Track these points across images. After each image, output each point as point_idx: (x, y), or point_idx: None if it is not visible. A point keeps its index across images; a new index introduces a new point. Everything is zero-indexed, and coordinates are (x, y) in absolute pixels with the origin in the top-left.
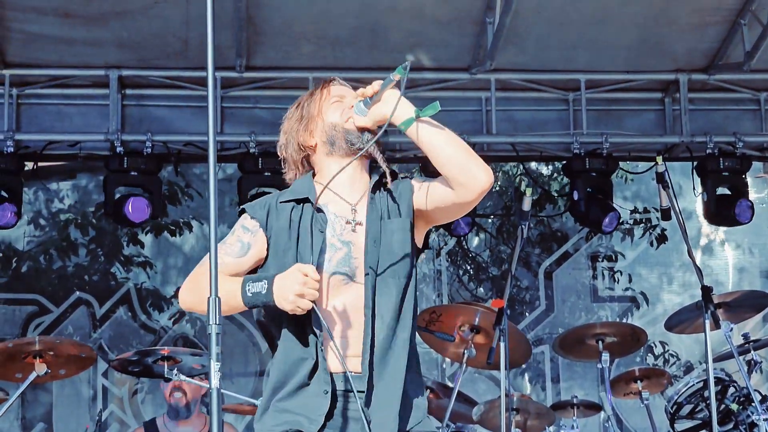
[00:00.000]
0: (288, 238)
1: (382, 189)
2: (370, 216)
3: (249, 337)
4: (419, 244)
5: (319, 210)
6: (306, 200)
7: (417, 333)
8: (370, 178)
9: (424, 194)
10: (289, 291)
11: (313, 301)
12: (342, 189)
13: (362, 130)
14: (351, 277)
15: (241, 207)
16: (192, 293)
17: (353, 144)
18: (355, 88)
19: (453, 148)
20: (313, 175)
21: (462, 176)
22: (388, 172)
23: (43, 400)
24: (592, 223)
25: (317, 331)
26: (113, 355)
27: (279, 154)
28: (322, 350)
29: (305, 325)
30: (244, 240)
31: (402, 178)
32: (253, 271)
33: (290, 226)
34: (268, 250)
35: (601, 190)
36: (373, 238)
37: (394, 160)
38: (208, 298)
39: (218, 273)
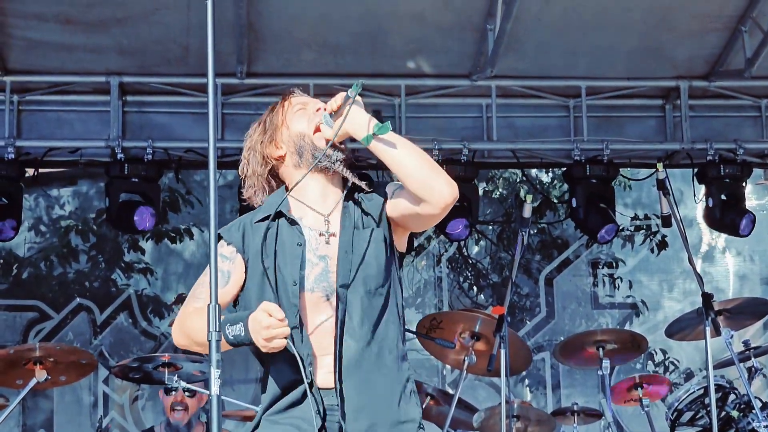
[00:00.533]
0: (266, 257)
1: (355, 199)
2: (344, 225)
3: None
4: (401, 248)
5: (294, 222)
6: (280, 214)
7: (418, 340)
8: (344, 189)
9: (394, 204)
10: (259, 335)
11: (291, 328)
12: (314, 202)
13: (327, 142)
14: (329, 294)
15: (217, 232)
16: (182, 336)
17: (321, 162)
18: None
19: (414, 163)
20: (286, 189)
21: (424, 192)
22: (357, 182)
23: (43, 406)
24: (590, 231)
25: (298, 357)
26: (114, 362)
27: (240, 174)
28: (311, 369)
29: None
30: (224, 269)
31: (377, 185)
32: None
33: (266, 243)
34: (246, 272)
35: (602, 197)
36: (345, 249)
37: (370, 166)
38: (209, 331)
39: (203, 310)
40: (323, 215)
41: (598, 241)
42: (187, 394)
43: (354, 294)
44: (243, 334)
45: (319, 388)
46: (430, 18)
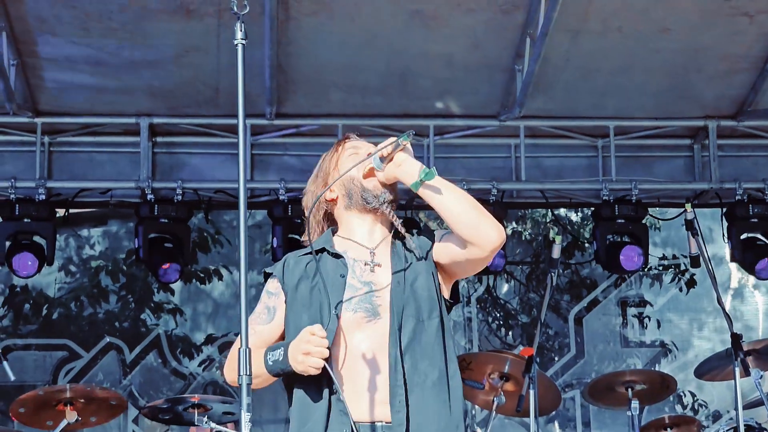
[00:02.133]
0: (306, 287)
1: (401, 238)
2: (393, 259)
3: (279, 382)
4: (447, 295)
5: (338, 256)
6: (322, 251)
7: None
8: (391, 231)
9: (441, 248)
10: (297, 351)
11: (326, 359)
12: (361, 238)
13: (382, 185)
14: (374, 314)
15: (264, 270)
16: (233, 372)
17: (369, 203)
18: (380, 136)
19: (462, 207)
20: (333, 232)
21: (471, 235)
22: (400, 227)
23: None
24: (615, 267)
25: (334, 381)
26: (143, 401)
27: (304, 218)
28: (340, 399)
29: (320, 378)
30: (270, 304)
31: (424, 230)
32: None
33: (306, 275)
34: (285, 306)
35: (634, 236)
36: (397, 280)
37: (423, 207)
38: (239, 375)
39: (254, 345)
40: (368, 248)
41: (625, 270)
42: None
43: (409, 324)
44: (281, 359)
45: (354, 422)
46: (459, 59)
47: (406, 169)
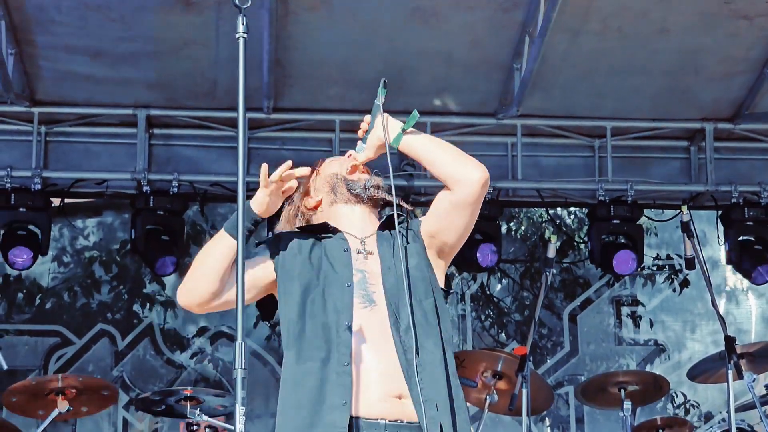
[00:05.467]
0: (303, 261)
1: (390, 227)
2: (381, 247)
3: (272, 373)
4: (441, 283)
5: (336, 230)
6: (323, 225)
7: None
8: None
9: (429, 215)
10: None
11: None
12: (350, 227)
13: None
14: (369, 301)
15: (256, 242)
16: (187, 290)
17: (354, 190)
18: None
19: (443, 149)
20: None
21: (456, 173)
22: (391, 199)
23: None
24: (610, 267)
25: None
26: (135, 390)
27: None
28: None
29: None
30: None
31: (410, 217)
32: (271, 300)
33: (302, 249)
34: (278, 281)
35: (629, 237)
36: (388, 265)
37: (419, 204)
38: (234, 368)
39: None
40: (359, 238)
41: (618, 272)
42: (208, 430)
43: (405, 304)
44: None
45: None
46: (457, 57)
47: (388, 127)
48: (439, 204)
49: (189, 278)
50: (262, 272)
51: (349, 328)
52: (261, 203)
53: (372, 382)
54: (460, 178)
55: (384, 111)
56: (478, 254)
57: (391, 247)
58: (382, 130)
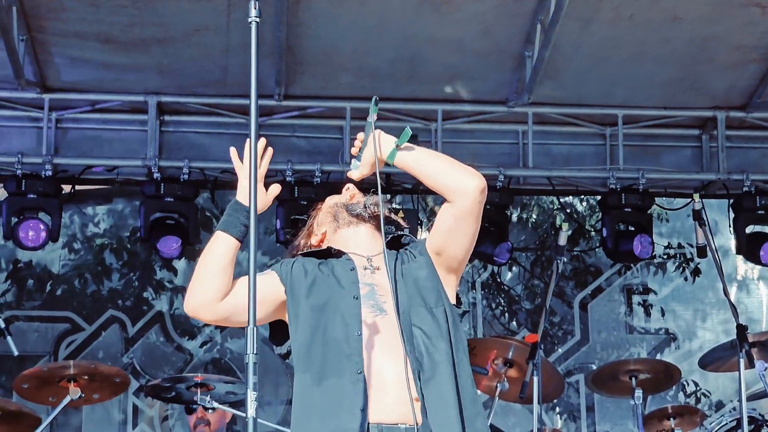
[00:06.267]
0: (311, 282)
1: (396, 246)
2: (390, 262)
3: (282, 360)
4: (452, 299)
5: (341, 253)
6: (328, 250)
7: None
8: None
9: (433, 233)
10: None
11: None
12: (357, 248)
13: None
14: (380, 310)
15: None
16: (192, 294)
17: (354, 211)
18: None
19: (438, 161)
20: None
21: (453, 183)
22: (394, 217)
23: (72, 422)
24: (623, 255)
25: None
26: (145, 376)
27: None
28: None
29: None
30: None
31: (412, 241)
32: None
33: (310, 272)
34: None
35: (638, 226)
36: (396, 278)
37: (404, 191)
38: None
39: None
40: (365, 256)
41: (638, 258)
42: (210, 411)
43: (416, 312)
44: (231, 202)
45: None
46: (469, 44)
47: (382, 144)
48: (442, 220)
49: (192, 282)
50: (272, 289)
51: (360, 336)
52: (246, 192)
53: (388, 387)
54: (458, 187)
55: (394, 98)
56: (496, 252)
57: (399, 261)
58: (377, 151)
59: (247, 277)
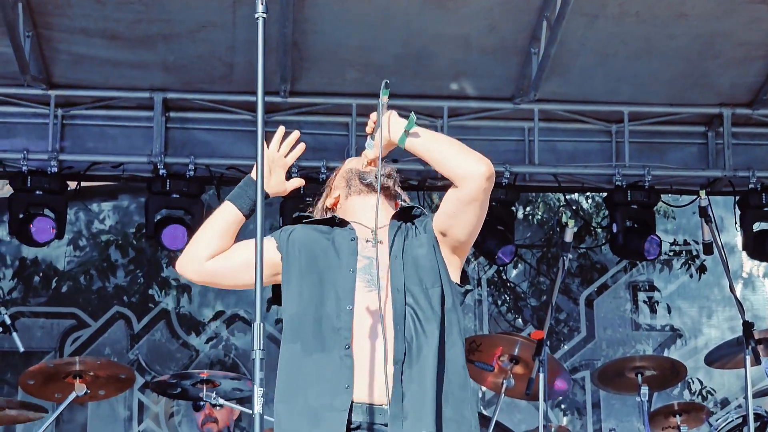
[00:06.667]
0: (310, 252)
1: (404, 221)
2: (392, 236)
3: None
4: (456, 279)
5: (345, 223)
6: (332, 219)
7: None
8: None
9: (439, 214)
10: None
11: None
12: (362, 218)
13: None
14: (374, 285)
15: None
16: (187, 254)
17: (365, 179)
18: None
19: (447, 146)
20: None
21: (461, 168)
22: (400, 192)
23: (78, 418)
24: (632, 253)
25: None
26: (151, 372)
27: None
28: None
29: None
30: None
31: (422, 214)
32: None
33: (311, 240)
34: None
35: (643, 222)
36: (395, 254)
37: (436, 188)
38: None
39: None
40: (370, 228)
41: (646, 258)
42: (217, 408)
43: (410, 290)
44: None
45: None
46: (475, 41)
47: (392, 128)
48: (448, 202)
49: (190, 242)
50: (268, 256)
51: (351, 311)
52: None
53: (373, 366)
54: (466, 172)
55: (400, 95)
56: (499, 253)
57: (401, 237)
58: (389, 131)
59: (242, 242)
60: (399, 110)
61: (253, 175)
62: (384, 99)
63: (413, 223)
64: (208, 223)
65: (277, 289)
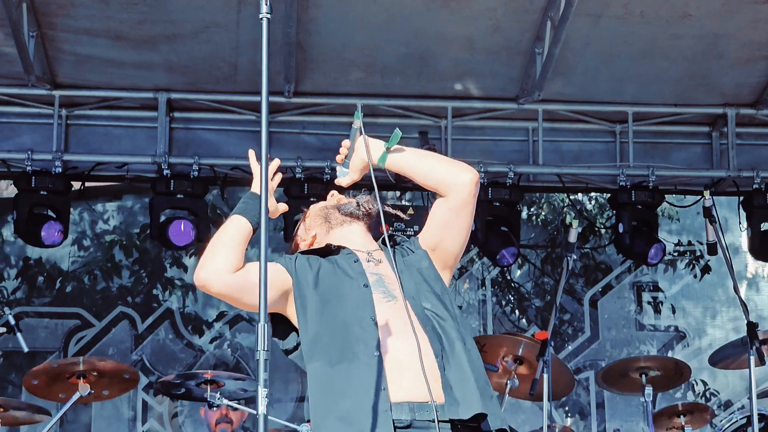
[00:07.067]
0: (316, 275)
1: (392, 243)
2: (389, 256)
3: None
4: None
5: (342, 247)
6: (327, 247)
7: None
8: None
9: (426, 229)
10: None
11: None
12: (354, 244)
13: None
14: (391, 296)
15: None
16: (203, 267)
17: (347, 210)
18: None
19: (429, 160)
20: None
21: (448, 177)
22: (391, 211)
23: (82, 418)
24: (636, 255)
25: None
26: (155, 373)
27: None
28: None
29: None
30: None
31: (407, 237)
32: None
33: (314, 267)
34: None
35: (645, 223)
36: (400, 269)
37: (413, 188)
38: (257, 350)
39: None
40: (364, 251)
41: (648, 263)
42: (231, 409)
43: (426, 297)
44: (248, 193)
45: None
46: (479, 41)
47: (370, 149)
48: (436, 215)
49: (204, 256)
50: (279, 277)
51: (374, 321)
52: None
53: (406, 367)
54: (454, 179)
55: (404, 95)
56: (499, 256)
57: (399, 255)
58: (365, 151)
59: (257, 263)
60: (403, 110)
61: (253, 189)
62: (357, 123)
63: (400, 245)
64: (222, 237)
65: (275, 321)
